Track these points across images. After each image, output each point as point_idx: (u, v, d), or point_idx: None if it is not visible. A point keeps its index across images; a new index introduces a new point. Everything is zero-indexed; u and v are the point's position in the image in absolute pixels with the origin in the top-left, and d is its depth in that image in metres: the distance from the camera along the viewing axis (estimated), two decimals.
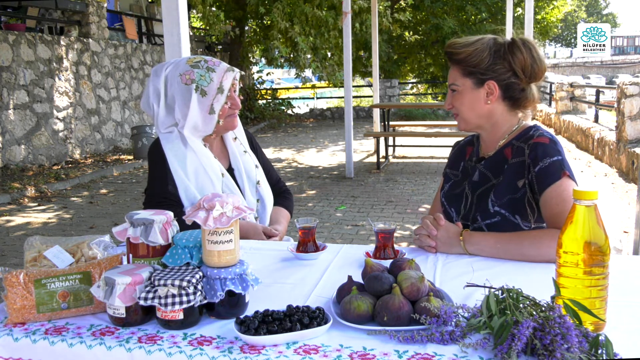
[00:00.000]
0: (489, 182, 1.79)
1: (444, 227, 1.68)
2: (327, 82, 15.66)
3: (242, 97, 2.03)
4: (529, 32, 7.85)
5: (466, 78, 1.77)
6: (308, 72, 16.70)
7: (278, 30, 12.14)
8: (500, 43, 1.76)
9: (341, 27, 9.42)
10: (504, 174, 1.75)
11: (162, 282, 1.20)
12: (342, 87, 11.23)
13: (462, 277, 1.45)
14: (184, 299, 1.19)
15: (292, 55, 14.79)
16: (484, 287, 1.19)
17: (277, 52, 15.18)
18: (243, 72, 2.06)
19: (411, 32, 18.68)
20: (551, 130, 11.24)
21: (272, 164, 2.41)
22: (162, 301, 1.19)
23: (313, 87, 21.01)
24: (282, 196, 2.33)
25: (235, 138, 2.18)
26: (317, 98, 24.61)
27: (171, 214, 1.38)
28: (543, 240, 1.56)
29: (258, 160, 2.23)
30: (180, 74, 1.93)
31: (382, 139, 9.26)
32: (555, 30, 25.50)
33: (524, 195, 1.71)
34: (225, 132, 2.11)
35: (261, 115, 16.60)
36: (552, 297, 1.13)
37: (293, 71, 16.74)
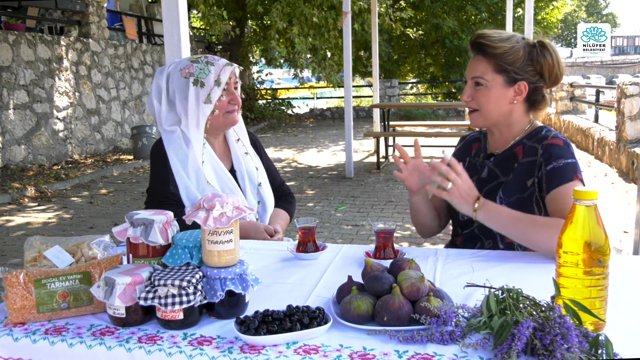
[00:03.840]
0: (498, 180, 1.79)
1: (468, 185, 1.62)
2: (326, 82, 15.68)
3: (243, 97, 2.04)
4: (529, 32, 7.86)
5: (498, 74, 1.72)
6: (307, 73, 16.72)
7: (276, 31, 12.14)
8: (531, 44, 1.74)
9: (341, 27, 9.42)
10: (514, 172, 1.75)
11: (162, 282, 1.20)
12: (342, 87, 11.22)
13: (462, 277, 1.45)
14: (184, 299, 1.19)
15: (290, 56, 14.80)
16: (484, 287, 1.19)
17: (276, 53, 15.19)
18: (241, 68, 2.07)
19: (415, 29, 18.67)
20: None
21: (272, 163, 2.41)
22: (162, 301, 1.19)
23: (311, 87, 21.03)
24: (284, 199, 2.33)
25: (238, 139, 2.18)
26: (317, 98, 24.61)
27: (171, 214, 1.38)
28: (555, 229, 1.51)
29: (262, 163, 2.24)
30: (180, 69, 1.97)
31: (382, 139, 9.26)
32: (555, 30, 25.49)
33: (532, 194, 1.71)
34: (226, 129, 2.11)
35: (261, 115, 16.60)
36: (552, 297, 1.13)
37: (293, 71, 16.76)
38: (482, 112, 1.78)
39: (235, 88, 2.03)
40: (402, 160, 1.78)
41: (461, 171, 1.62)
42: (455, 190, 1.61)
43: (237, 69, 2.03)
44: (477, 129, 1.99)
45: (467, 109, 1.84)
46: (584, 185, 1.66)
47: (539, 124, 1.82)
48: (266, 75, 19.04)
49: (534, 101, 1.77)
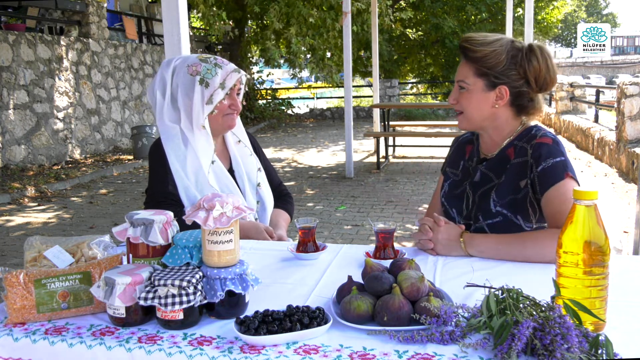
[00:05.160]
0: (491, 183, 1.78)
1: (444, 230, 1.66)
2: (324, 82, 15.70)
3: (244, 103, 2.04)
4: (529, 32, 7.86)
5: (478, 78, 1.73)
6: (305, 73, 16.71)
7: (273, 31, 12.14)
8: (518, 48, 1.72)
9: (341, 27, 9.42)
10: (506, 173, 1.75)
11: (162, 282, 1.20)
12: (342, 87, 11.22)
13: (462, 277, 1.45)
14: (184, 299, 1.19)
15: (288, 56, 14.81)
16: (484, 287, 1.19)
17: (274, 53, 15.18)
18: (249, 76, 2.08)
19: (414, 29, 18.69)
20: (551, 130, 11.22)
21: (272, 163, 2.41)
22: (162, 301, 1.19)
23: (309, 87, 21.04)
24: (283, 199, 2.33)
25: (239, 141, 2.19)
26: (317, 98, 24.63)
27: (171, 214, 1.38)
28: (545, 242, 1.55)
29: (260, 163, 2.24)
30: (188, 65, 1.97)
31: (382, 139, 9.26)
32: (555, 30, 25.50)
33: (525, 195, 1.71)
34: (224, 132, 2.11)
35: (261, 115, 16.60)
36: (552, 297, 1.13)
37: (292, 71, 16.76)
38: (465, 115, 1.79)
39: (238, 94, 2.03)
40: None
41: (429, 229, 1.67)
42: (437, 246, 1.66)
43: (244, 76, 2.04)
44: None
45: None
46: (577, 181, 1.66)
47: (532, 123, 1.81)
48: (267, 75, 19.05)
49: (520, 105, 1.76)
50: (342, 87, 10.86)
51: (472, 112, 1.77)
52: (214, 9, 11.80)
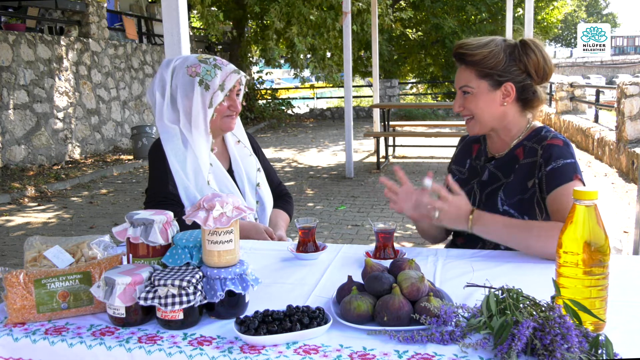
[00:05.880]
0: (499, 182, 1.79)
1: (455, 203, 1.64)
2: (325, 82, 15.70)
3: (244, 103, 2.05)
4: (529, 33, 7.86)
5: (481, 80, 1.74)
6: (306, 72, 16.72)
7: (274, 31, 12.14)
8: (512, 45, 1.74)
9: (341, 27, 9.42)
10: (515, 173, 1.76)
11: (162, 282, 1.20)
12: (342, 87, 11.23)
13: (462, 277, 1.45)
14: (184, 299, 1.19)
15: (290, 56, 14.82)
16: (484, 287, 1.19)
17: (275, 53, 15.18)
18: (249, 77, 2.08)
19: (414, 29, 18.69)
20: None
21: (272, 163, 2.41)
22: (162, 301, 1.19)
23: (312, 87, 21.04)
24: (282, 199, 2.33)
25: (239, 141, 2.19)
26: (317, 98, 24.61)
27: (171, 214, 1.38)
28: (551, 232, 1.52)
29: (260, 164, 2.24)
30: (187, 66, 1.97)
31: (382, 139, 9.26)
32: (555, 30, 25.51)
33: (533, 195, 1.71)
34: (222, 133, 2.11)
35: (261, 115, 16.60)
36: (552, 297, 1.13)
37: (293, 71, 16.76)
38: (476, 119, 1.79)
39: (237, 95, 2.03)
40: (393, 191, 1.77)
41: (446, 194, 1.64)
42: (444, 215, 1.64)
43: (243, 77, 2.04)
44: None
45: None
46: (584, 185, 1.67)
47: (539, 124, 1.83)
48: (267, 74, 19.02)
49: (525, 99, 1.78)
50: (342, 87, 10.86)
51: (482, 114, 1.77)
52: (212, 9, 11.80)
